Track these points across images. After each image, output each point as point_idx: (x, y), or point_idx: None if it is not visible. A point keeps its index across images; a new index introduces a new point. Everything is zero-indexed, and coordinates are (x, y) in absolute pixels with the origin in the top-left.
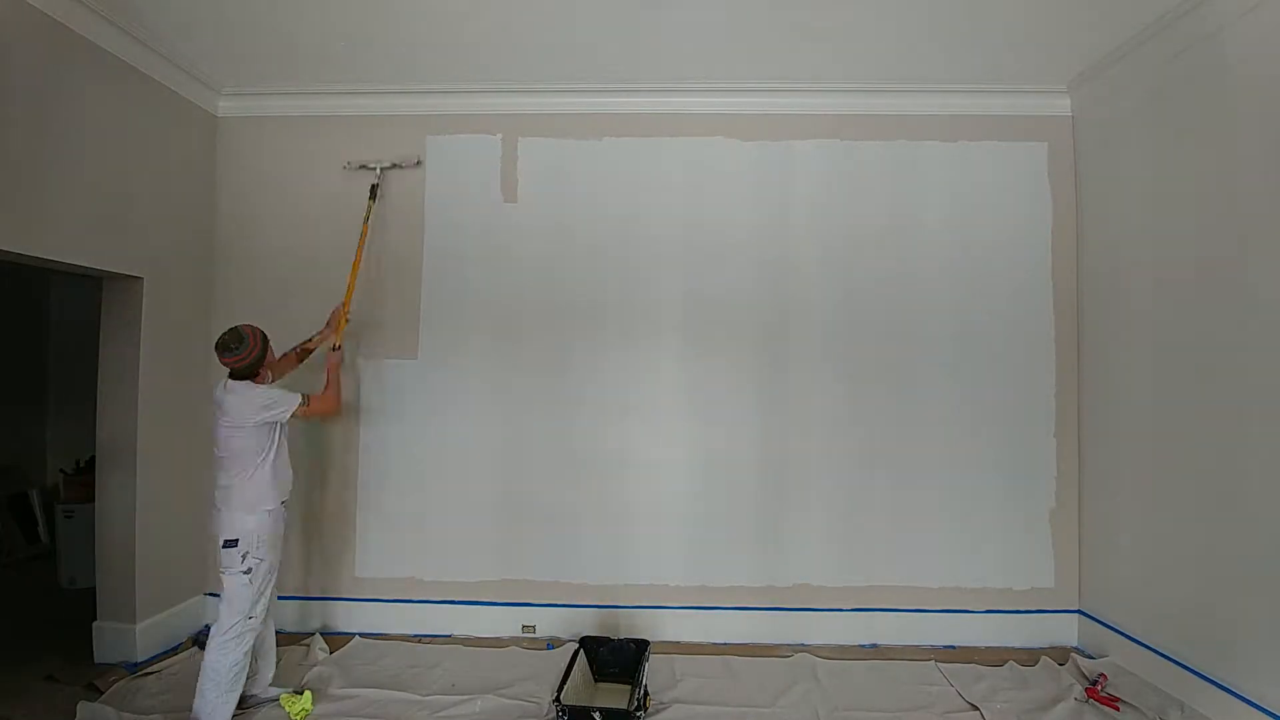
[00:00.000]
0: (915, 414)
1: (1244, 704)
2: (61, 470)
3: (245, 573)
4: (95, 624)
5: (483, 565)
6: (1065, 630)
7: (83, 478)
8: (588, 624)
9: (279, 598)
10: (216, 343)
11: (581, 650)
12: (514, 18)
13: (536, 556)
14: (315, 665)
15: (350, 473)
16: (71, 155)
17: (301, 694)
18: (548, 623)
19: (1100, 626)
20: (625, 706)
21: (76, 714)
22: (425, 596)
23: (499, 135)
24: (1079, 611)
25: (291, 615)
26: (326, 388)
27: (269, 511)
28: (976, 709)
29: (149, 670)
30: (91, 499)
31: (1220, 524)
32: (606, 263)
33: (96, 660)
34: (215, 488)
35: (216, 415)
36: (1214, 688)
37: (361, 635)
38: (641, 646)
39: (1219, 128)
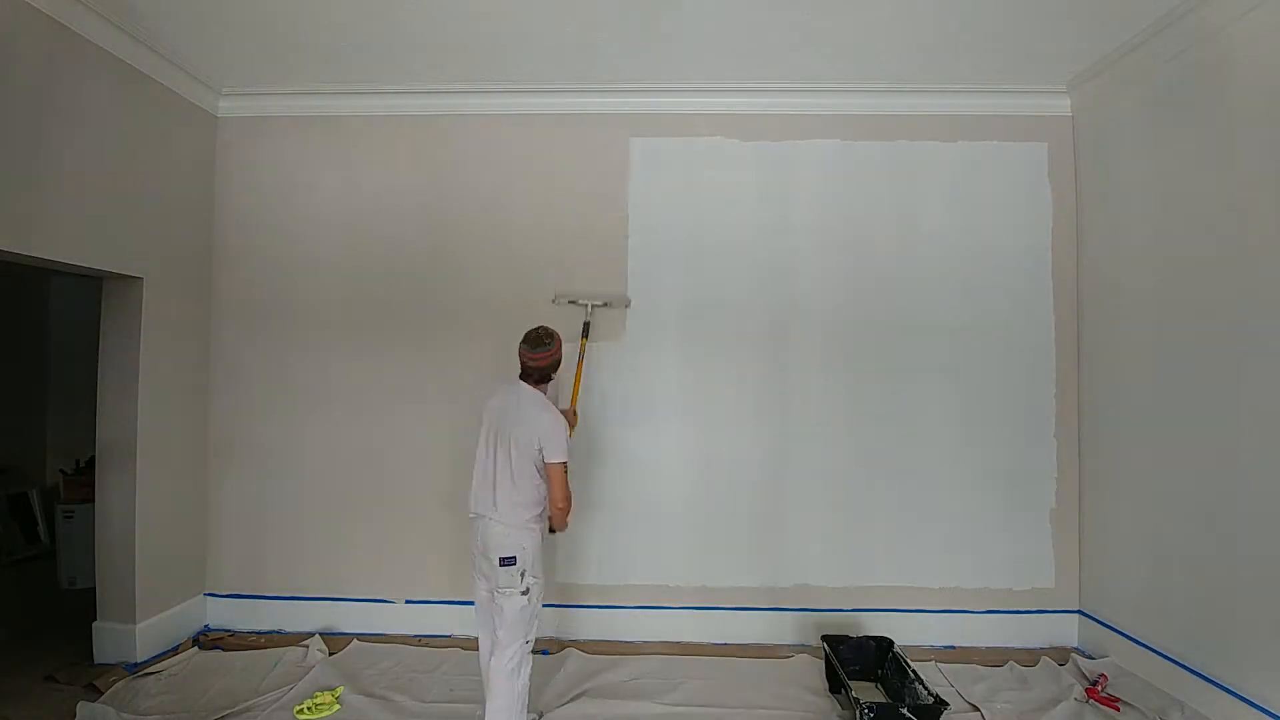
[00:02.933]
0: (915, 413)
1: (1244, 704)
2: (61, 470)
3: (524, 593)
4: (95, 624)
5: None
6: (1065, 630)
7: (83, 478)
8: (587, 624)
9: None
10: (525, 337)
11: (827, 649)
12: (518, 18)
13: None
14: (313, 667)
15: None
16: (71, 155)
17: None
18: (546, 622)
19: (1100, 627)
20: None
21: (76, 714)
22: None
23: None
24: (1079, 612)
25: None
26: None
27: (542, 530)
28: (977, 709)
29: (149, 671)
30: (91, 499)
31: (1220, 524)
32: (606, 262)
33: (96, 660)
34: (481, 496)
35: (497, 419)
36: (1214, 688)
37: (359, 637)
38: (884, 645)
39: (1219, 128)
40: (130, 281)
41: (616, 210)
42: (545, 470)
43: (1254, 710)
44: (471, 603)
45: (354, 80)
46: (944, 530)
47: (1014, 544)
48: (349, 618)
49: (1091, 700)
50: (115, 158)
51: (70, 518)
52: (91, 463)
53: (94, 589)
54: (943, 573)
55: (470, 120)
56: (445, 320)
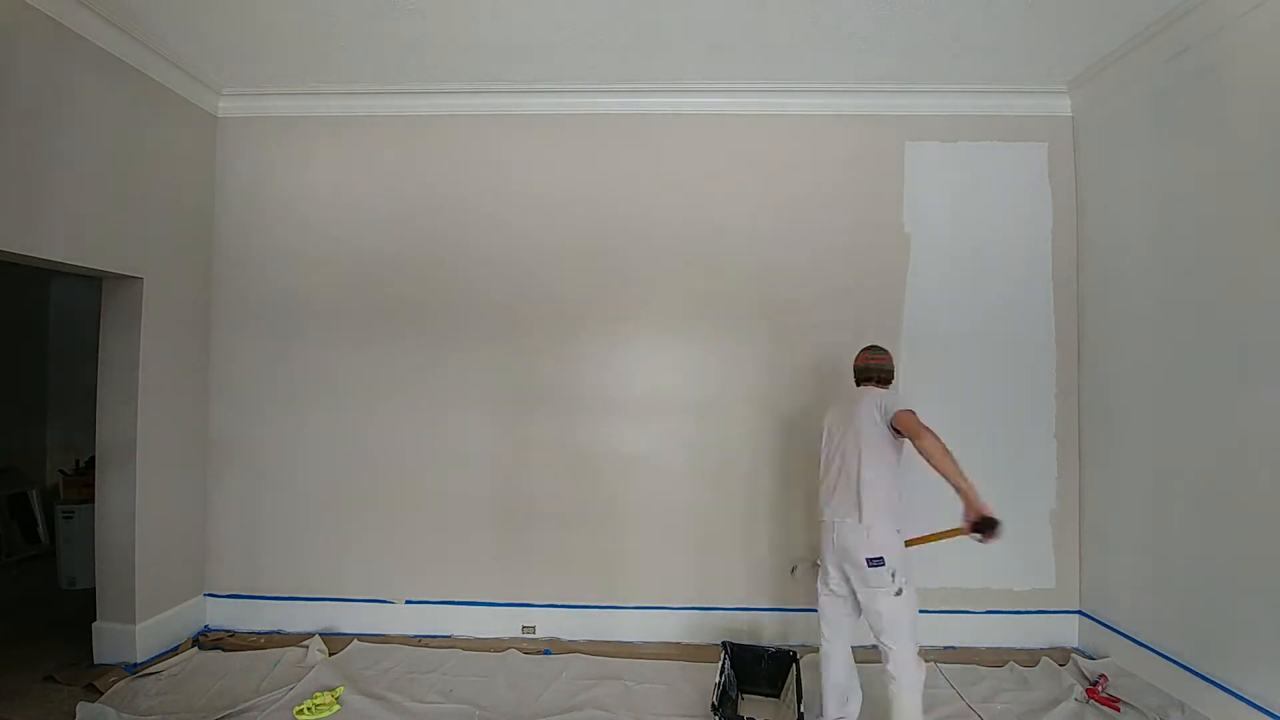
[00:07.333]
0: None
1: (1244, 704)
2: (61, 470)
3: (896, 594)
4: (95, 624)
5: (482, 566)
6: (1066, 631)
7: (83, 478)
8: (587, 625)
9: None
10: (864, 350)
11: (728, 658)
12: (509, 16)
13: (536, 555)
14: (314, 667)
15: None
16: (71, 155)
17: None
18: (548, 623)
19: (1100, 627)
20: None
21: (76, 715)
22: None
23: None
24: (1079, 612)
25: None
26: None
27: (899, 530)
28: (976, 711)
29: (149, 671)
30: (91, 499)
31: (1220, 524)
32: (606, 262)
33: (96, 661)
34: (836, 502)
35: (841, 421)
36: (1214, 688)
37: (359, 637)
38: (784, 655)
39: (1219, 128)
40: (130, 281)
41: (617, 209)
42: (898, 424)
43: (1254, 710)
44: (471, 603)
45: (352, 80)
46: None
47: (1014, 544)
48: (349, 618)
49: (1092, 701)
50: (115, 158)
51: (70, 518)
52: (91, 463)
53: (94, 589)
54: (943, 573)
55: (468, 121)
56: (447, 320)
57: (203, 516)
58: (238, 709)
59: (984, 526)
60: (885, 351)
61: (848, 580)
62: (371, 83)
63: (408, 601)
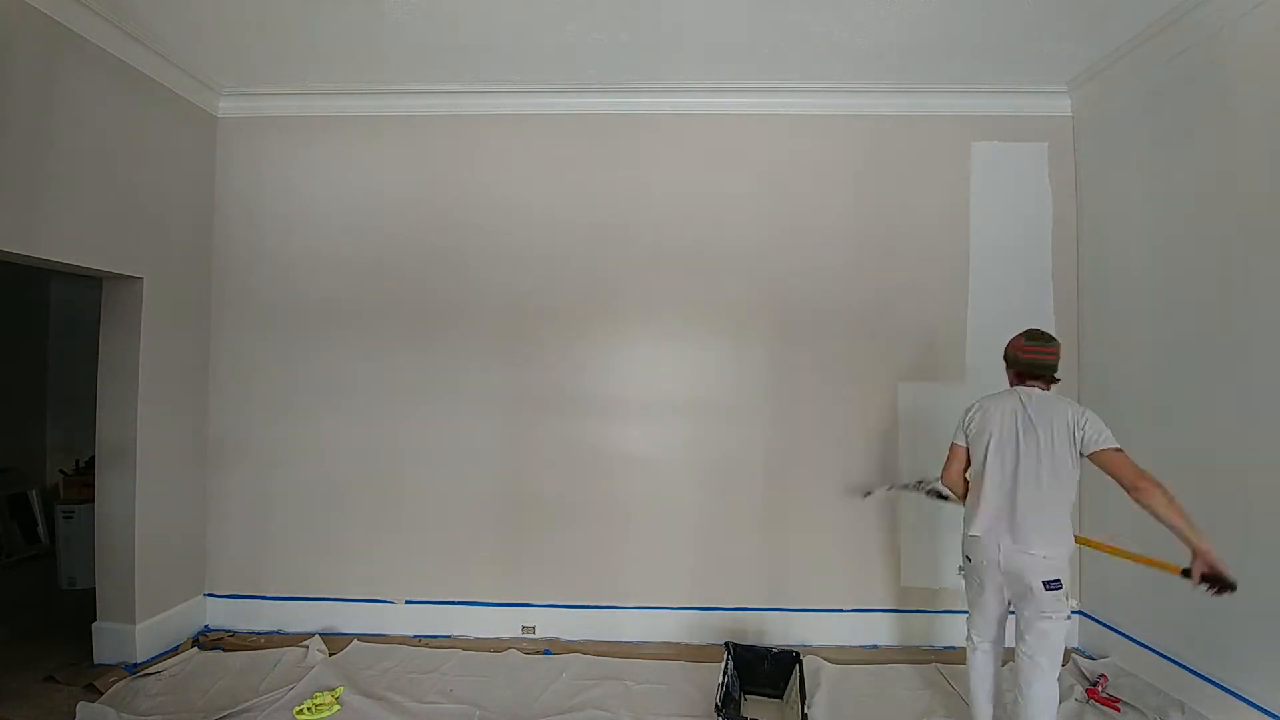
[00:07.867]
0: (915, 416)
1: (1244, 704)
2: (61, 470)
3: (1067, 618)
4: (95, 624)
5: (482, 566)
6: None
7: (83, 478)
8: (587, 624)
9: None
10: (1029, 335)
11: (731, 658)
12: (516, 17)
13: (536, 554)
14: (313, 667)
15: None
16: (71, 155)
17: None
18: (548, 623)
19: (1101, 627)
20: None
21: (76, 715)
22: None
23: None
24: (1079, 612)
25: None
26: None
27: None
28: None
29: (149, 671)
30: (91, 499)
31: (1219, 524)
32: (608, 262)
33: (96, 661)
34: (1001, 518)
35: (1009, 430)
36: (1214, 688)
37: (359, 637)
38: (787, 656)
39: (1219, 128)
40: (130, 281)
41: (618, 210)
42: (1106, 466)
43: (1254, 710)
44: (471, 602)
45: (352, 80)
46: (944, 530)
47: None
48: (349, 618)
49: (1092, 700)
50: (115, 158)
51: (70, 518)
52: (91, 463)
53: (94, 589)
54: (944, 574)
55: (469, 121)
56: (446, 320)
57: (203, 516)
58: (238, 709)
59: (1216, 583)
60: (1055, 341)
61: (1002, 594)
62: (372, 83)
63: (408, 601)
